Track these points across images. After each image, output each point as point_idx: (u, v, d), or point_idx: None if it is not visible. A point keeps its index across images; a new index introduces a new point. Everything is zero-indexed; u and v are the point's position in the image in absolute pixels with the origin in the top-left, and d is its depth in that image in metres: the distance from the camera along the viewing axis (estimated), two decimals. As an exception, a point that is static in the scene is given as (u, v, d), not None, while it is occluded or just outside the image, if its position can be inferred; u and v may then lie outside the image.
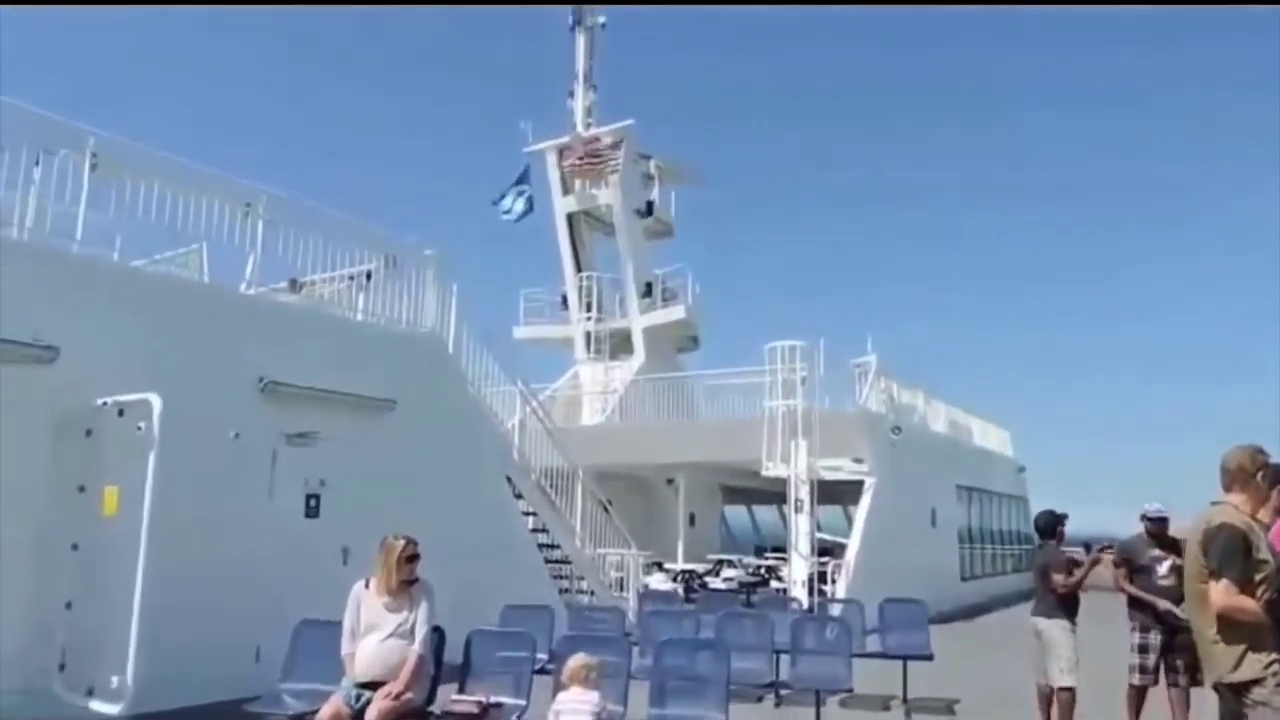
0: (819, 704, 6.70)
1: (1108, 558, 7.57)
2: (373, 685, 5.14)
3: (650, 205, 23.00)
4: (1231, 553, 3.91)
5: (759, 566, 18.08)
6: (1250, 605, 3.76)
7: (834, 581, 13.95)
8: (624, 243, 22.27)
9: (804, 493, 14.31)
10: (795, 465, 14.50)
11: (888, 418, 16.17)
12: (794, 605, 10.98)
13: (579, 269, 23.06)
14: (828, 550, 15.05)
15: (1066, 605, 7.27)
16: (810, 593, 13.37)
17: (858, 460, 15.40)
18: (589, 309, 22.50)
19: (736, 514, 26.00)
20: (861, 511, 14.78)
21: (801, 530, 14.22)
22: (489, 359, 12.05)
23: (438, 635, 5.58)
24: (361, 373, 9.24)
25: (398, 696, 5.04)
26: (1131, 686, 7.17)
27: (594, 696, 4.82)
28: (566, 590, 12.01)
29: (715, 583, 15.77)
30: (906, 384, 18.09)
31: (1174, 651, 6.89)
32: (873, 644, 8.91)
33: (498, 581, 9.15)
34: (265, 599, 7.25)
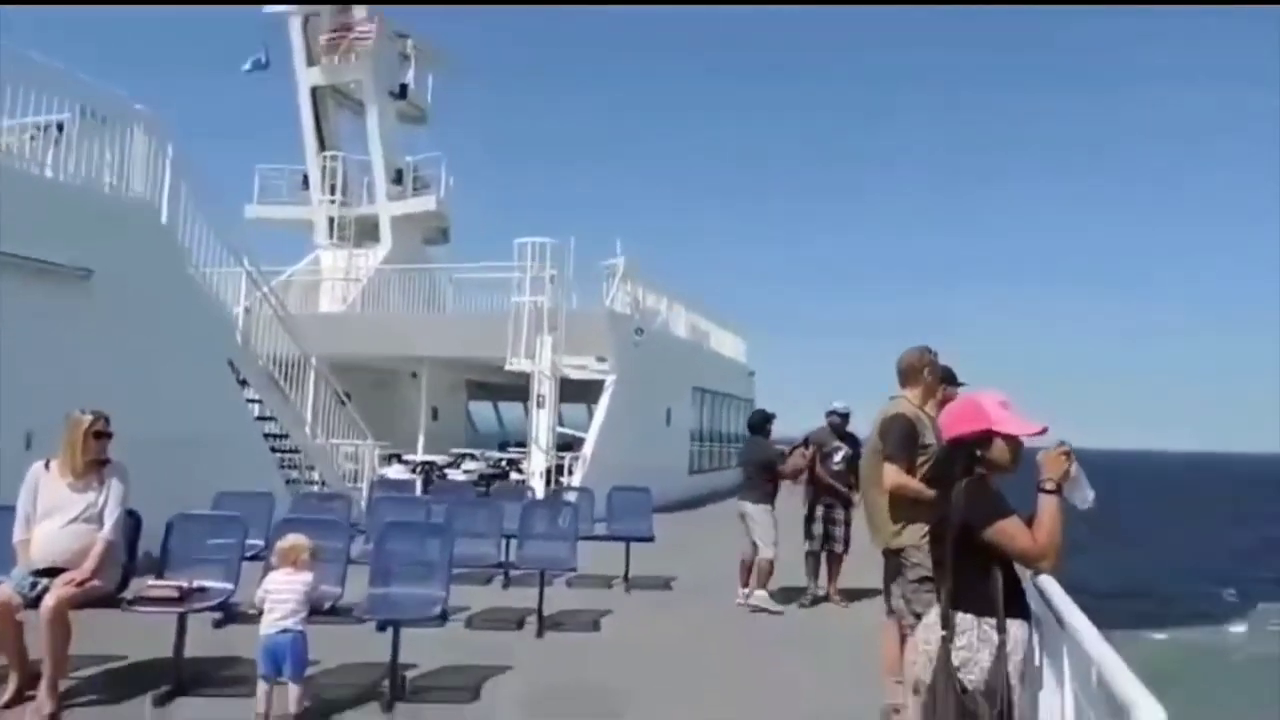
0: (543, 583, 6.95)
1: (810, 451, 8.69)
2: (54, 573, 4.69)
3: (404, 88, 21.75)
4: (902, 439, 4.46)
5: (501, 460, 18.31)
6: (914, 485, 4.31)
7: (571, 474, 14.41)
8: (373, 124, 21.01)
9: (547, 388, 14.56)
10: (540, 361, 14.67)
11: (632, 319, 16.67)
12: (529, 495, 11.23)
13: (323, 148, 21.51)
14: (568, 445, 15.48)
15: (773, 493, 8.39)
16: (548, 484, 13.75)
17: (601, 359, 15.81)
18: (332, 191, 21.15)
19: (482, 410, 26.03)
20: (601, 408, 15.26)
21: (542, 425, 14.50)
22: (212, 235, 11.02)
23: (132, 520, 5.17)
24: (50, 237, 8.12)
25: (82, 583, 4.64)
26: (808, 553, 8.55)
27: (306, 577, 4.68)
28: (295, 480, 11.54)
29: (455, 475, 15.78)
30: (652, 287, 18.68)
31: (834, 524, 8.44)
32: (601, 530, 9.32)
33: (215, 469, 8.56)
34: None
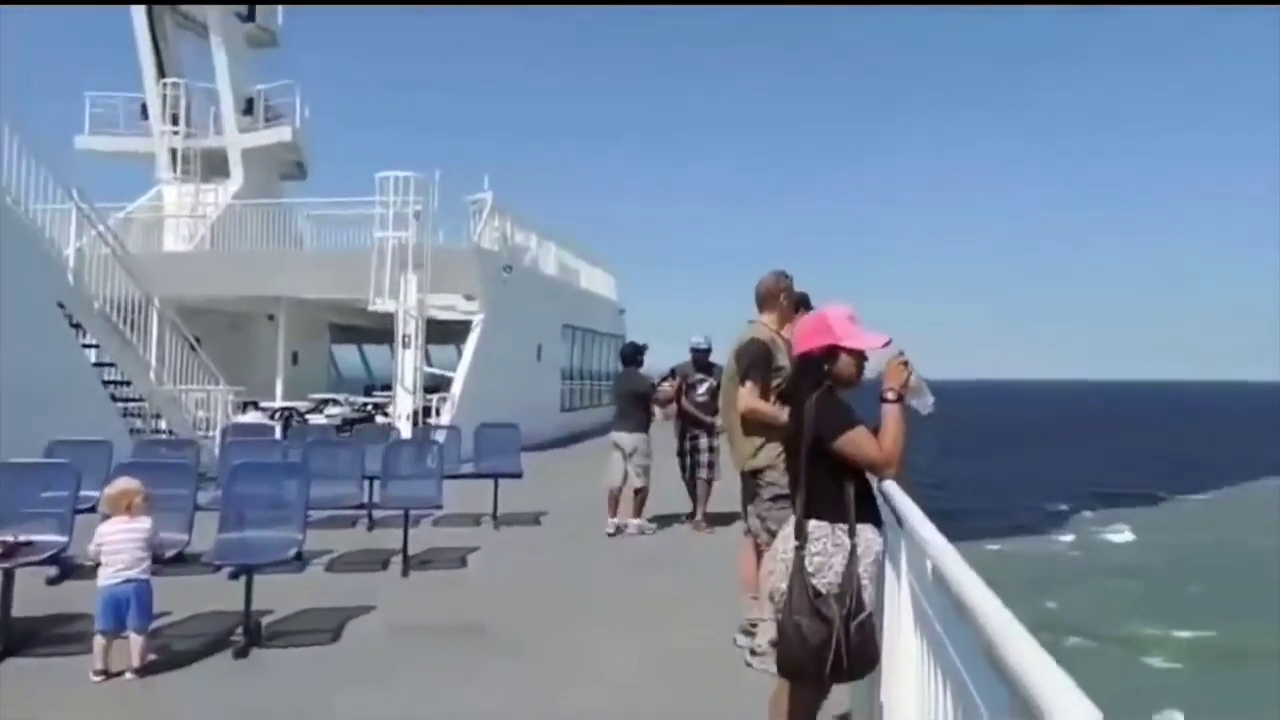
0: (408, 523, 6.82)
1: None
2: None
3: (252, 9, 20.30)
4: (757, 362, 4.53)
5: (367, 404, 17.81)
6: (767, 408, 4.37)
7: (439, 414, 14.15)
8: (218, 48, 19.56)
9: (412, 328, 14.17)
10: (405, 300, 14.25)
11: (501, 256, 16.36)
12: (394, 435, 10.98)
13: (162, 74, 19.92)
14: (437, 387, 15.17)
15: (646, 422, 8.66)
16: (415, 426, 13.46)
17: (469, 298, 15.49)
18: (174, 121, 19.67)
19: (347, 354, 25.22)
20: (470, 345, 14.96)
21: (408, 365, 14.14)
22: (36, 167, 10.11)
23: (-55, 474, 4.75)
24: None
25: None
26: (685, 479, 8.84)
27: (143, 524, 4.42)
28: (140, 430, 10.89)
29: (318, 419, 15.26)
30: (521, 223, 18.34)
31: (700, 452, 8.68)
32: (469, 469, 9.23)
33: (46, 419, 7.97)
34: None
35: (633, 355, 9.05)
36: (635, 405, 8.64)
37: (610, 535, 8.27)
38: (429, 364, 16.44)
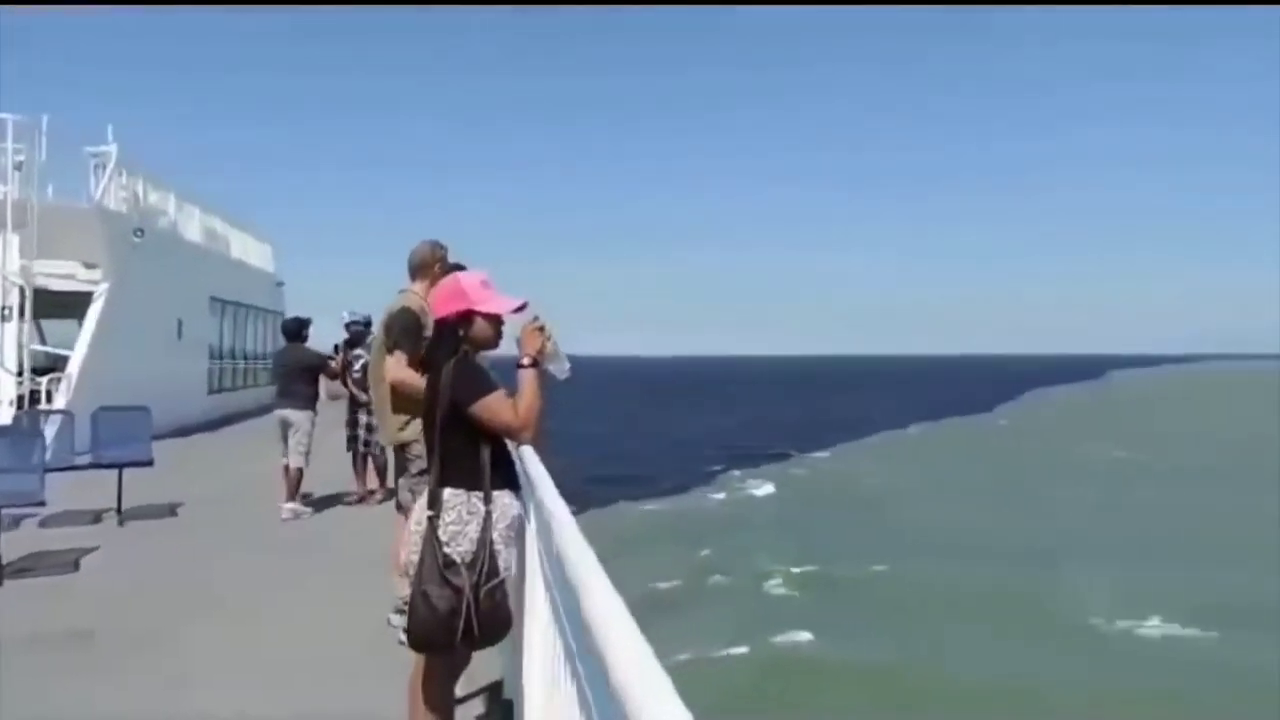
0: (0, 525, 5.83)
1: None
2: None
3: None
4: (406, 331, 4.41)
5: (-45, 389, 15.01)
6: (414, 378, 4.24)
7: (52, 399, 12.28)
8: None
9: (14, 299, 12.17)
10: (4, 266, 12.18)
11: (130, 218, 14.50)
12: (-13, 425, 9.38)
13: None
14: (53, 367, 13.16)
15: (314, 398, 8.38)
16: (20, 410, 11.59)
17: (90, 265, 13.59)
18: None
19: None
20: (91, 319, 13.08)
21: (9, 342, 12.11)
22: None
23: None
24: None
25: None
26: (353, 454, 8.83)
27: None
28: None
29: (-118, 411, 12.60)
30: (156, 183, 16.38)
31: (358, 427, 8.73)
32: (87, 459, 8.13)
33: None
34: None
35: (296, 330, 8.73)
36: (300, 380, 8.32)
37: (284, 519, 7.91)
38: (42, 341, 14.24)
